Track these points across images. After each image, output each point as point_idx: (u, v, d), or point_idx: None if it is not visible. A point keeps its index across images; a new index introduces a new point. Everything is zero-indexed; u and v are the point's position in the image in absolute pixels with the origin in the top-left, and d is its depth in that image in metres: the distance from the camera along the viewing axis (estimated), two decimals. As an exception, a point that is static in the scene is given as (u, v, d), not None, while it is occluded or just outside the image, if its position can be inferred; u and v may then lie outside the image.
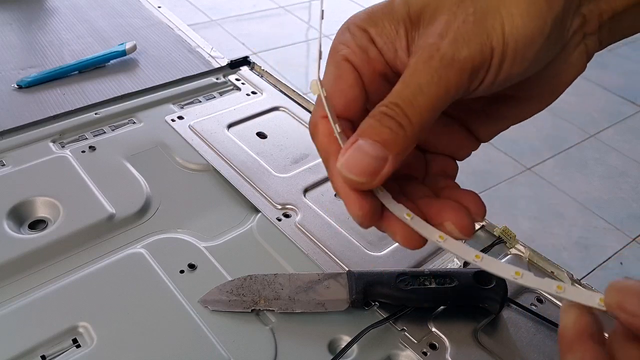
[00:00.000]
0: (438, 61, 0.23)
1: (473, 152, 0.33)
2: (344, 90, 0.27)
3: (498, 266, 0.25)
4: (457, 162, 0.32)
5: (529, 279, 0.25)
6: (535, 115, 0.31)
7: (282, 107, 0.61)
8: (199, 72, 0.65)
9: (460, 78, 0.24)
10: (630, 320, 0.22)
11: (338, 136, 0.26)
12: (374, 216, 0.27)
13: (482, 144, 0.33)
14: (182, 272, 0.42)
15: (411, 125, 0.24)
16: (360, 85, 0.27)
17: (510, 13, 0.23)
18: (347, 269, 0.41)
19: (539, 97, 0.29)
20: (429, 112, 0.24)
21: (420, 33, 0.25)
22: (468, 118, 0.31)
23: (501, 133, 0.32)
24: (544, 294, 0.42)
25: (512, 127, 0.32)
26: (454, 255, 0.26)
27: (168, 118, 0.58)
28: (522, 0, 0.23)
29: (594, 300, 0.23)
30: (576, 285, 0.43)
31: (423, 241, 0.27)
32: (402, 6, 0.26)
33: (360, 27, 0.27)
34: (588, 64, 0.28)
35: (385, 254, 0.44)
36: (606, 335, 0.24)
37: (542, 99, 0.29)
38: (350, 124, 0.27)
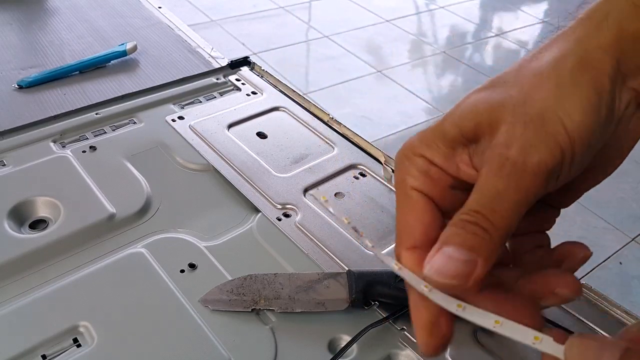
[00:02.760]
0: (510, 168, 0.24)
1: None
2: (420, 217, 0.28)
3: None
4: None
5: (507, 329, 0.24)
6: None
7: (282, 107, 0.61)
8: (199, 72, 0.65)
9: (536, 181, 0.24)
10: None
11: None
12: (443, 345, 0.27)
13: None
14: (182, 271, 0.42)
15: (495, 229, 0.24)
16: (432, 207, 0.28)
17: (568, 112, 0.25)
18: (347, 269, 0.42)
19: (608, 164, 0.30)
20: (511, 216, 0.24)
21: (481, 146, 0.26)
22: (547, 197, 0.31)
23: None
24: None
25: None
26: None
27: (168, 118, 0.58)
28: (573, 97, 0.25)
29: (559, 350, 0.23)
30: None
31: None
32: (452, 128, 0.27)
33: (415, 153, 0.28)
34: None
35: (385, 254, 0.44)
36: None
37: (611, 164, 0.30)
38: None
